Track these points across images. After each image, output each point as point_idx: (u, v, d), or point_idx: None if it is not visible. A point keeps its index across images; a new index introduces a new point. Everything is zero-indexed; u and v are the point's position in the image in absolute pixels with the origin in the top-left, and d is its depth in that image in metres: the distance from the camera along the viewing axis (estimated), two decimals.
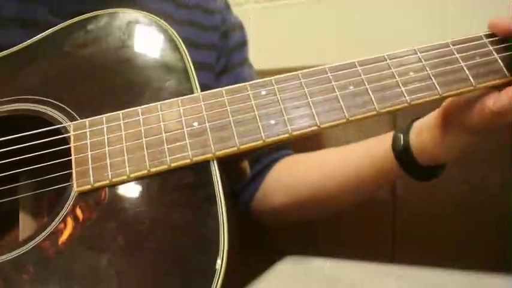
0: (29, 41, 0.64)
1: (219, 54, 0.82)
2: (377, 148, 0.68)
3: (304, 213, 0.79)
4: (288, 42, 1.20)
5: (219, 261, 0.50)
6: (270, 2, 1.24)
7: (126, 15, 0.65)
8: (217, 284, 0.49)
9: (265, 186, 0.80)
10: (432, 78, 0.56)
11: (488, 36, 0.58)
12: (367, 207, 0.80)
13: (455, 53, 0.58)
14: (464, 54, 0.57)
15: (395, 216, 0.88)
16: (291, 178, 0.78)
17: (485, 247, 0.83)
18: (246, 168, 0.68)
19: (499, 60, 0.57)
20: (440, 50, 0.58)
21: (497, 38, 0.58)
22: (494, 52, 0.57)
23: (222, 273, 0.49)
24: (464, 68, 0.57)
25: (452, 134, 0.60)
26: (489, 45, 0.58)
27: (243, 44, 0.87)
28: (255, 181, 0.80)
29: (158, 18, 0.64)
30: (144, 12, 0.65)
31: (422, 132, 0.63)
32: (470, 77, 0.56)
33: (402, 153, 0.64)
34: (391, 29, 1.12)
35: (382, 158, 0.67)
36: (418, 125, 0.64)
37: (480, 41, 0.58)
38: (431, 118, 0.62)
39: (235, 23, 0.87)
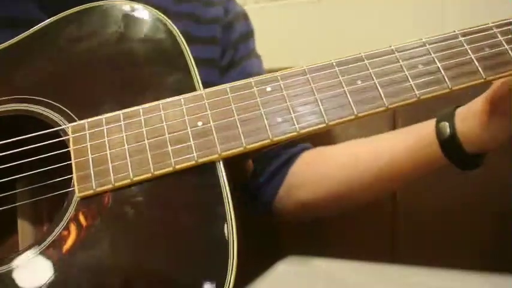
0: (19, 37, 0.61)
1: (223, 48, 0.79)
2: (411, 138, 0.67)
3: (329, 208, 0.76)
4: (288, 42, 1.19)
5: (230, 262, 0.49)
6: (270, 2, 1.23)
7: (122, 6, 0.62)
8: (229, 285, 0.48)
9: (288, 182, 0.77)
10: (442, 71, 0.55)
11: (498, 26, 0.57)
12: (367, 207, 0.79)
13: (465, 44, 0.56)
14: (473, 45, 0.56)
15: (395, 216, 0.87)
16: (317, 172, 0.76)
17: (486, 247, 0.83)
18: (249, 167, 0.67)
19: (510, 52, 0.55)
20: (448, 42, 0.57)
21: (507, 27, 0.57)
22: (504, 43, 0.56)
23: (233, 275, 0.48)
24: (474, 60, 0.55)
25: (499, 119, 0.60)
26: (499, 36, 0.56)
27: (247, 34, 0.84)
28: (276, 178, 0.77)
29: (156, 11, 0.61)
30: (142, 4, 0.62)
31: (469, 118, 0.62)
32: (480, 70, 0.55)
33: (448, 140, 0.63)
34: (391, 29, 1.11)
35: (419, 147, 0.66)
36: (462, 111, 0.63)
37: (489, 32, 0.57)
38: (478, 103, 0.61)
39: (239, 12, 0.83)
